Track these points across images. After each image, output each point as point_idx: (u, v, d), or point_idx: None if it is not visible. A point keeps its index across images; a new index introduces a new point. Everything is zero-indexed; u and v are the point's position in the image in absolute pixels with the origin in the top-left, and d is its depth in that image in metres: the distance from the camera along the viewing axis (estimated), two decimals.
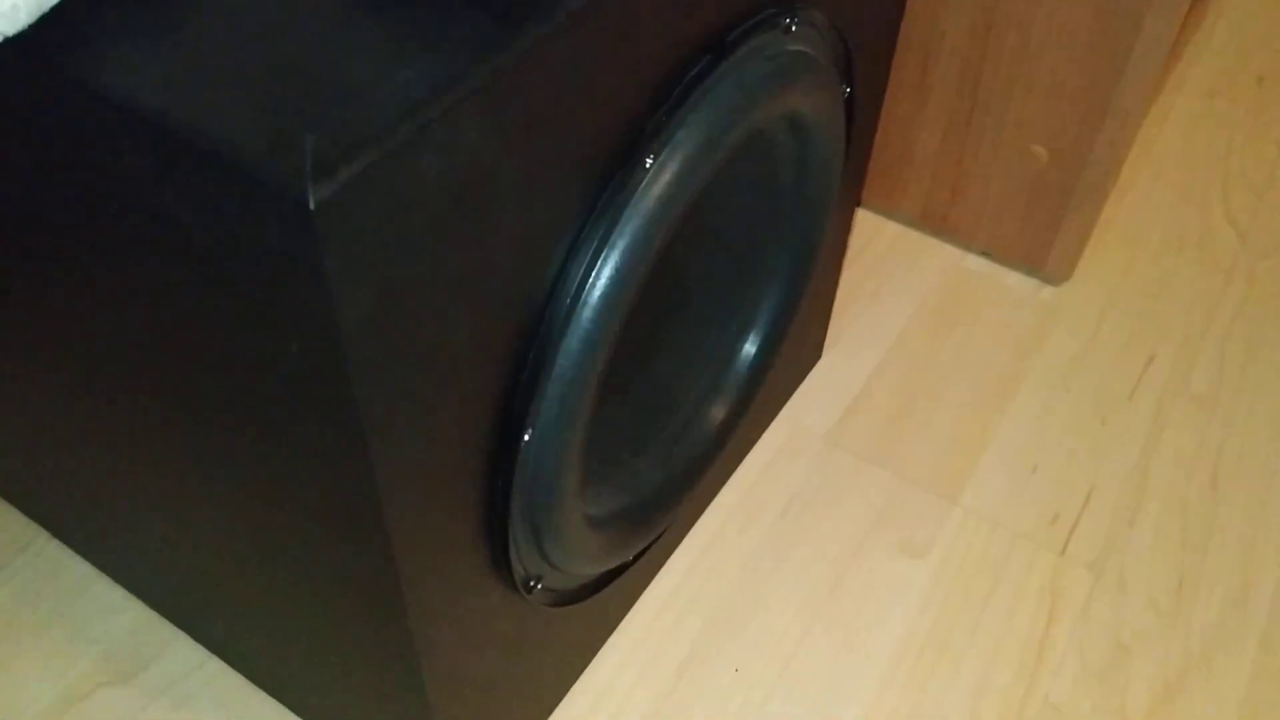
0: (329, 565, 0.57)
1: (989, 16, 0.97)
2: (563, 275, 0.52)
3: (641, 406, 0.78)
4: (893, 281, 1.12)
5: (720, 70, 0.57)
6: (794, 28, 0.62)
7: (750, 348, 0.81)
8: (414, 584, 0.54)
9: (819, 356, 1.04)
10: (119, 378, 0.57)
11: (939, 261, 1.13)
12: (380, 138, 0.38)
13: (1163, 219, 1.18)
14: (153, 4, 0.44)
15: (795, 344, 0.94)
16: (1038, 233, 1.08)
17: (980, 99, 1.03)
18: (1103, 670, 0.83)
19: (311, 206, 0.36)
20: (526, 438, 0.55)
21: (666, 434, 0.78)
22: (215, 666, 0.82)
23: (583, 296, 0.53)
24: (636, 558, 0.80)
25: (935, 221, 1.14)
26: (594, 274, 0.53)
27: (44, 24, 0.43)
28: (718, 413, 0.80)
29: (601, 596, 0.77)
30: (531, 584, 0.65)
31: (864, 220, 1.18)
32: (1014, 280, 1.12)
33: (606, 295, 0.53)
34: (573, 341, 0.53)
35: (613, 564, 0.73)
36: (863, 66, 0.75)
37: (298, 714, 0.79)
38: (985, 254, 1.14)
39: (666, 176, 0.54)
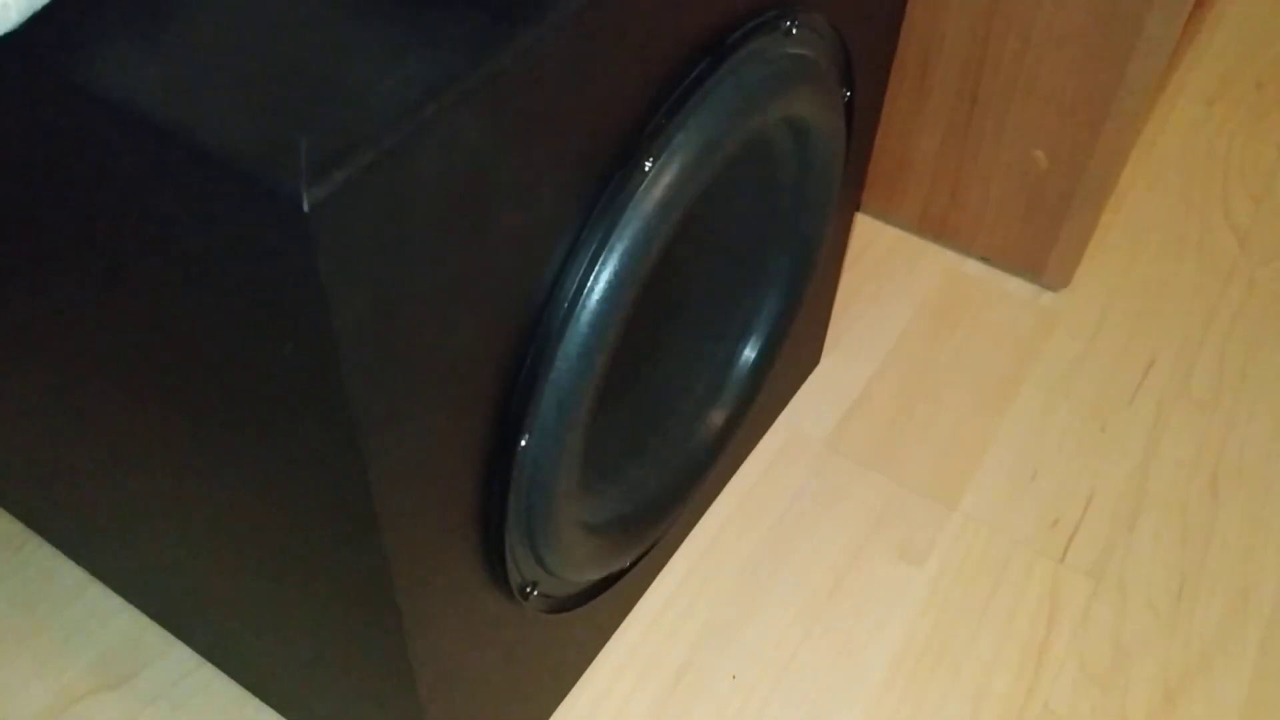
0: (323, 570, 0.56)
1: (989, 21, 0.97)
2: (561, 278, 0.52)
3: (639, 411, 0.77)
4: (892, 286, 1.11)
5: (720, 72, 0.56)
6: (794, 30, 0.61)
7: (749, 352, 0.80)
8: (409, 590, 0.54)
9: (818, 361, 1.04)
10: (112, 380, 0.56)
11: (938, 266, 1.13)
12: (376, 139, 0.38)
13: (1162, 224, 1.18)
14: (146, 3, 0.44)
15: (794, 348, 0.94)
16: (1037, 237, 1.08)
17: (980, 103, 1.02)
18: (1102, 675, 0.83)
19: (306, 208, 0.36)
20: (524, 442, 0.55)
21: (664, 439, 0.78)
22: (208, 672, 0.82)
23: (581, 300, 0.52)
24: (634, 563, 0.79)
25: (934, 226, 1.14)
26: (593, 277, 0.52)
27: (36, 23, 0.42)
28: (716, 417, 0.80)
29: (598, 602, 0.76)
30: (527, 590, 0.64)
31: (863, 224, 1.17)
32: (1013, 285, 1.12)
33: (605, 298, 0.52)
34: (571, 345, 0.53)
35: (610, 570, 0.73)
36: (863, 70, 0.75)
37: None
38: (984, 258, 1.13)
39: (666, 179, 0.54)
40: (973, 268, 1.13)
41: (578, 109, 0.48)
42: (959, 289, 1.11)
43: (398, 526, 0.50)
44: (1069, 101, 0.98)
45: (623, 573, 0.78)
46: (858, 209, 1.18)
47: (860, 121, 0.80)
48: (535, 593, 0.65)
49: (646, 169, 0.53)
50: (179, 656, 0.82)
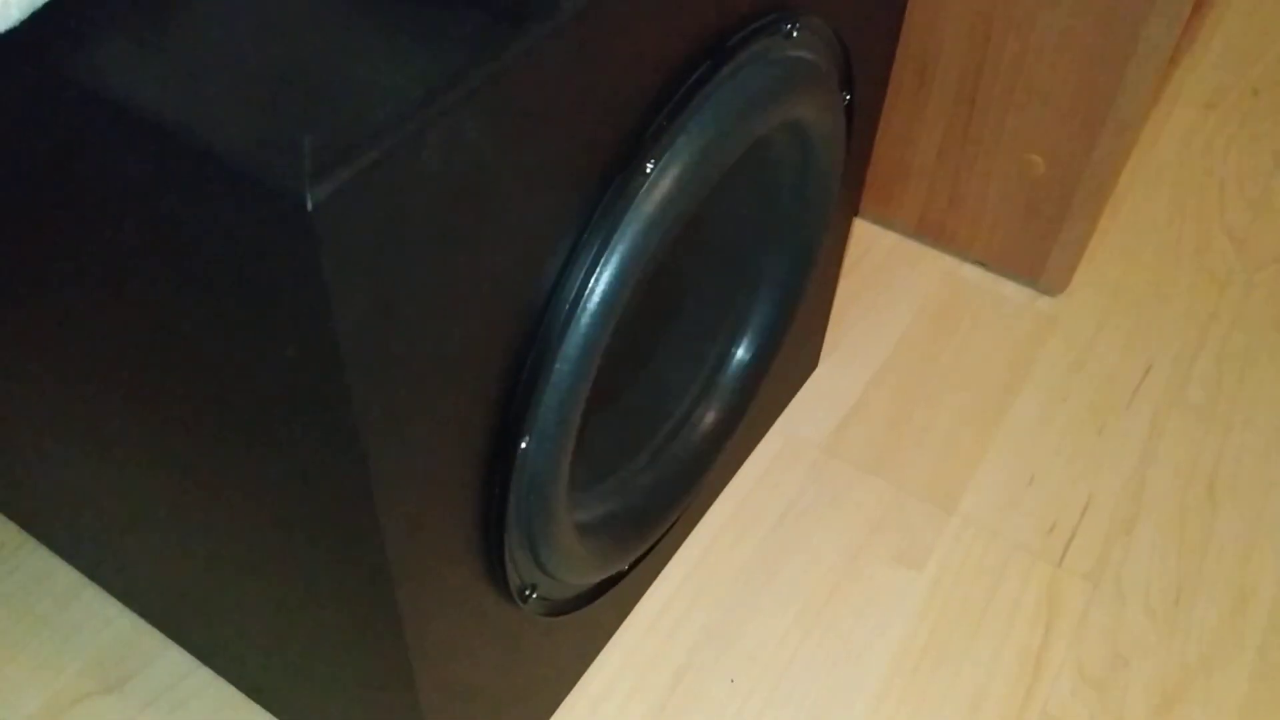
0: (322, 573, 0.56)
1: (987, 25, 0.97)
2: (562, 279, 0.52)
3: (636, 414, 0.77)
4: (890, 291, 1.11)
5: (721, 75, 0.56)
6: (795, 34, 0.61)
7: (746, 355, 0.80)
8: (408, 591, 0.53)
9: (815, 365, 1.04)
10: (111, 382, 0.56)
11: (936, 271, 1.13)
12: (378, 138, 0.38)
13: (1159, 229, 1.18)
14: (149, 1, 0.43)
15: (791, 352, 0.94)
16: (1035, 242, 1.08)
17: (978, 108, 1.02)
18: (1100, 680, 0.83)
19: (309, 207, 0.36)
20: (524, 444, 0.54)
21: (662, 442, 0.78)
22: (204, 676, 0.81)
23: (582, 301, 0.52)
24: (632, 567, 0.79)
25: (932, 231, 1.14)
26: (594, 278, 0.52)
27: (37, 21, 0.42)
28: (713, 421, 0.80)
29: (596, 606, 0.76)
30: (526, 593, 0.64)
31: (861, 229, 1.17)
32: (1011, 290, 1.12)
33: (606, 300, 0.52)
34: (571, 347, 0.53)
35: (608, 573, 0.72)
36: (862, 73, 0.75)
37: None
38: (982, 263, 1.13)
39: (667, 182, 0.54)
40: (970, 272, 1.13)
41: (579, 110, 0.48)
42: (957, 293, 1.11)
43: (398, 528, 0.50)
44: (1067, 106, 0.98)
45: (621, 575, 0.78)
46: (856, 213, 1.18)
47: (859, 125, 0.80)
48: (534, 595, 0.65)
49: (648, 171, 0.53)
50: (175, 660, 0.82)
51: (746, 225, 0.75)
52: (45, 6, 0.43)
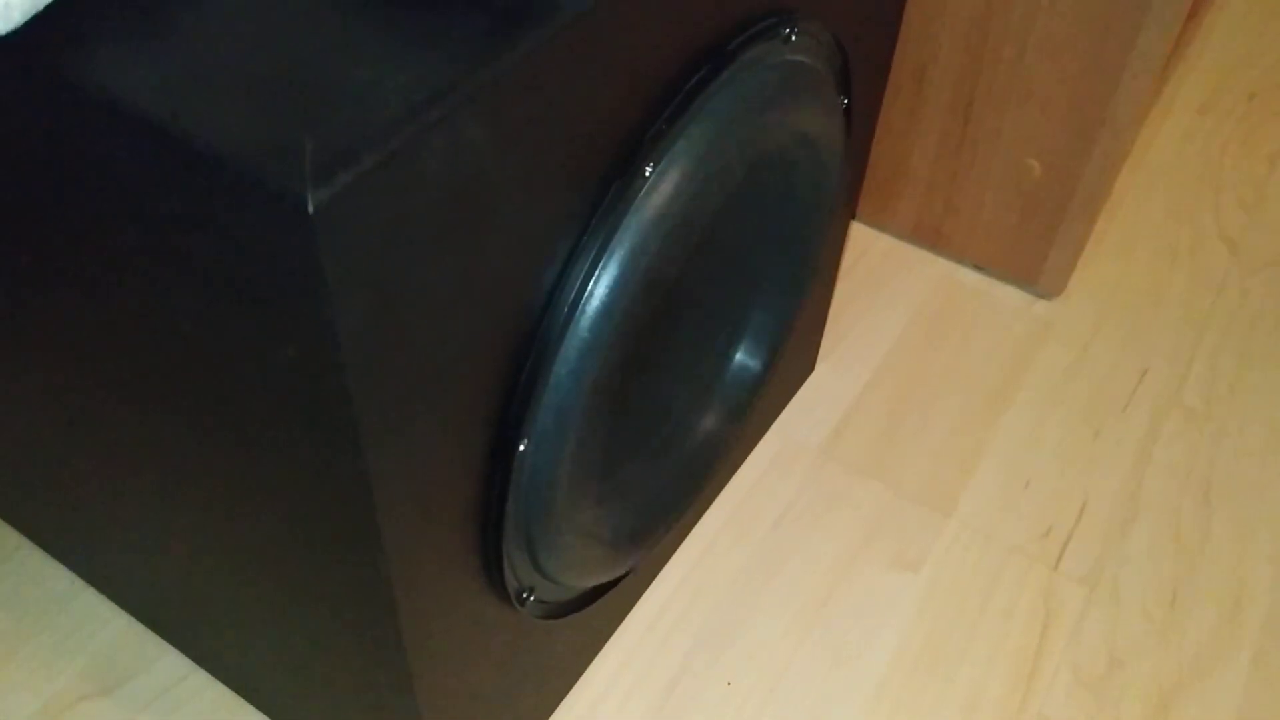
0: (319, 575, 0.56)
1: (984, 30, 0.98)
2: (561, 282, 0.52)
3: (635, 418, 0.77)
4: (886, 295, 1.12)
5: (721, 79, 0.56)
6: (794, 38, 0.61)
7: (745, 360, 0.80)
8: (407, 595, 0.53)
9: (812, 369, 1.04)
10: (109, 384, 0.56)
11: (932, 274, 1.13)
12: (379, 141, 0.38)
13: (1155, 233, 1.19)
14: (150, 3, 0.43)
15: (789, 356, 0.94)
16: (1031, 246, 1.08)
17: (974, 112, 1.03)
18: (1096, 684, 0.83)
19: (310, 210, 0.36)
20: (522, 447, 0.54)
21: (660, 446, 0.78)
22: (201, 679, 0.81)
23: (581, 304, 0.52)
24: (630, 570, 0.79)
25: (929, 235, 1.14)
26: (593, 281, 0.52)
27: (38, 23, 0.42)
28: (712, 425, 0.80)
29: (594, 609, 0.76)
30: (524, 596, 0.64)
31: (857, 233, 1.18)
32: (1007, 294, 1.12)
33: (605, 303, 0.52)
34: (570, 350, 0.53)
35: (607, 576, 0.72)
36: (860, 77, 0.75)
37: None
38: (979, 267, 1.14)
39: (666, 186, 0.54)
40: (967, 276, 1.13)
41: (579, 114, 0.48)
42: (953, 297, 1.11)
43: (397, 529, 0.50)
44: (1063, 110, 0.98)
45: (619, 579, 0.78)
46: (853, 216, 1.18)
47: (857, 128, 0.80)
48: (532, 598, 0.65)
49: (647, 174, 0.53)
50: (171, 663, 0.82)
51: (746, 229, 0.75)
52: (46, 8, 0.43)
